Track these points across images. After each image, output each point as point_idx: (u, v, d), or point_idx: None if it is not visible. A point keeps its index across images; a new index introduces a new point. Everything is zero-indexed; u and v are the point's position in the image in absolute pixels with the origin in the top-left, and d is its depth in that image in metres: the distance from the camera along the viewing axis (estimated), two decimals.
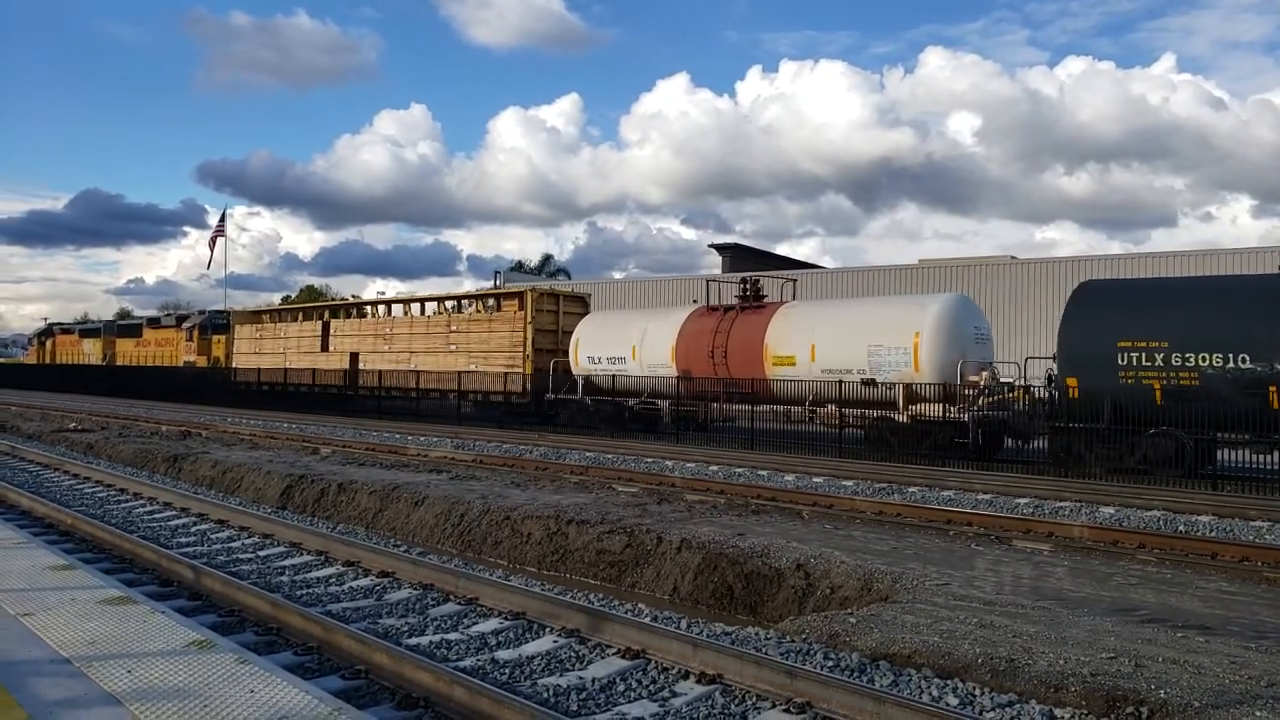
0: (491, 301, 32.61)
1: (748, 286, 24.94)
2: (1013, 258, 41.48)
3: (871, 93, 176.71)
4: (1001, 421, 19.00)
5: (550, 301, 30.19)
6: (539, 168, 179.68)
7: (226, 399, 38.81)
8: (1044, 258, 38.64)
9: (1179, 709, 5.26)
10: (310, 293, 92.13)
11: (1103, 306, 17.41)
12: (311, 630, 6.59)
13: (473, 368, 30.40)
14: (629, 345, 26.06)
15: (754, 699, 5.56)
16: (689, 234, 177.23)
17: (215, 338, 46.84)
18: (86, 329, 64.90)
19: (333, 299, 71.07)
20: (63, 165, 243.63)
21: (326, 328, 38.00)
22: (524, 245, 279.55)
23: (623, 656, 6.32)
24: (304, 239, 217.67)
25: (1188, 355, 15.95)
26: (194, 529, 11.48)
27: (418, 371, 31.88)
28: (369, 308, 38.51)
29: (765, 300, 24.71)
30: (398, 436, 23.65)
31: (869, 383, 20.49)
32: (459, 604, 7.81)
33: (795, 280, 28.76)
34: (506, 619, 7.30)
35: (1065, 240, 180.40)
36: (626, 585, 10.04)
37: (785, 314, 23.22)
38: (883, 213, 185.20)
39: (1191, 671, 5.81)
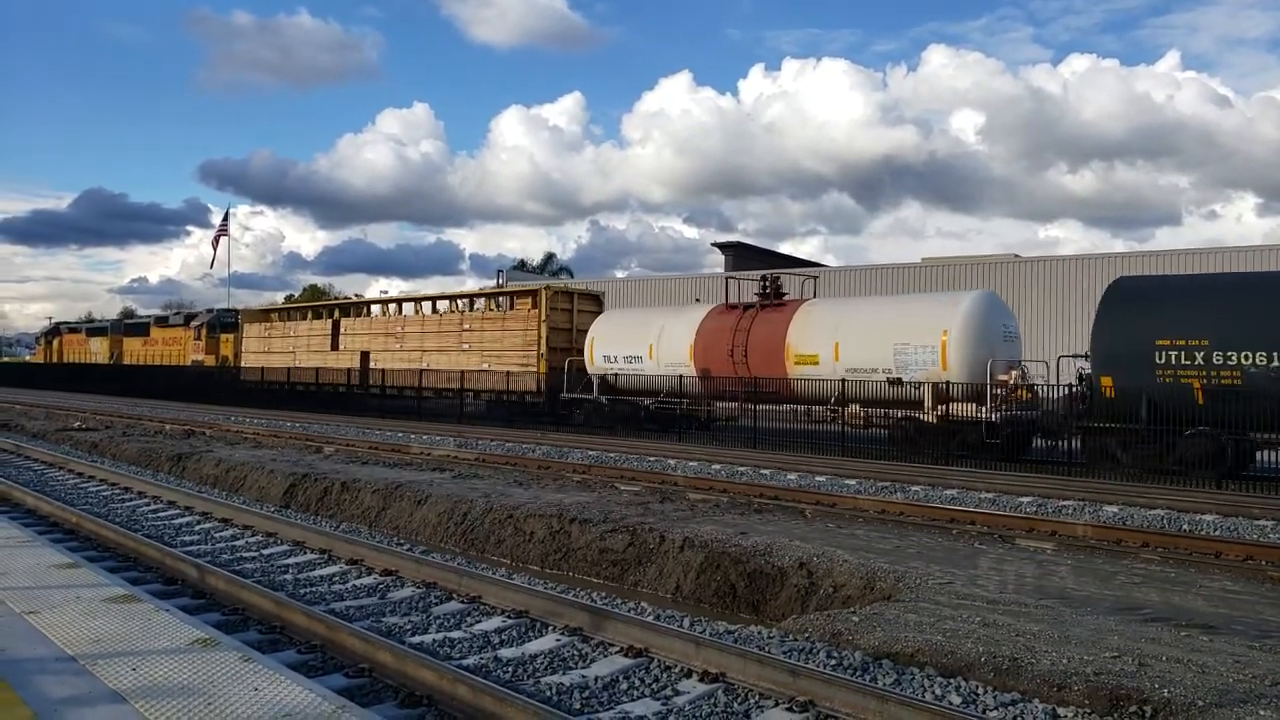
0: (504, 300, 32.25)
1: (768, 284, 24.50)
2: (1016, 255, 41.45)
3: (874, 91, 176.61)
4: (1031, 421, 18.66)
5: (564, 300, 29.86)
6: (541, 166, 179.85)
7: (235, 398, 38.62)
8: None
9: (1183, 708, 5.26)
10: (314, 292, 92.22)
11: (1139, 303, 16.99)
12: (315, 628, 6.60)
13: (486, 367, 30.13)
14: (646, 344, 25.69)
15: (757, 698, 5.56)
16: (691, 232, 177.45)
17: (223, 336, 46.66)
18: (93, 328, 64.76)
19: (338, 297, 71.07)
20: (66, 165, 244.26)
21: (337, 326, 37.74)
22: (526, 244, 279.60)
23: (625, 655, 6.32)
24: (307, 238, 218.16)
25: (1230, 354, 15.56)
26: (198, 527, 11.51)
27: (430, 371, 31.63)
28: (380, 306, 38.18)
29: (785, 298, 24.29)
30: (400, 435, 23.68)
31: (895, 382, 20.07)
32: (462, 602, 7.82)
33: (816, 277, 27.96)
34: (509, 617, 7.30)
35: (1069, 239, 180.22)
36: (629, 584, 10.04)
37: (807, 312, 22.81)
38: (886, 211, 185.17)
39: (1195, 670, 5.81)
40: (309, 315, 41.35)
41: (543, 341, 28.69)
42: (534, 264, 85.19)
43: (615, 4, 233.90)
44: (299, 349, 39.52)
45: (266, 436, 22.99)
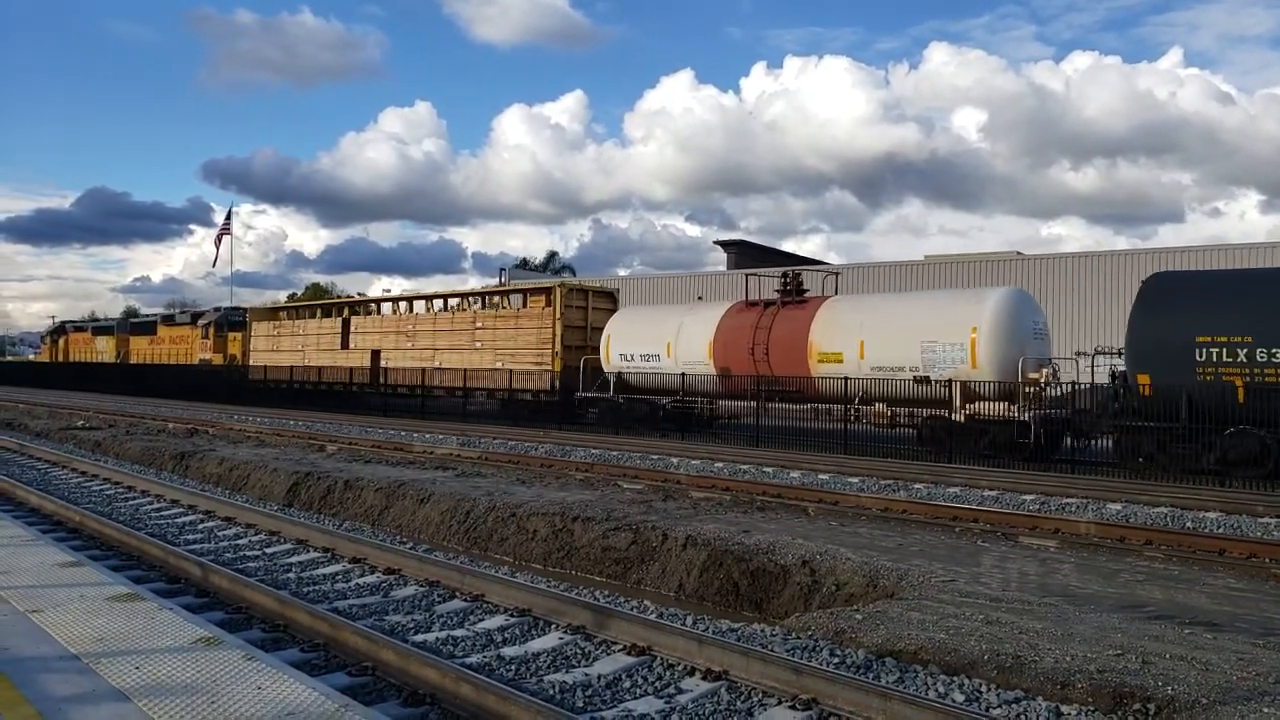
0: (518, 298, 31.87)
1: (789, 281, 24.14)
2: (1018, 253, 41.37)
3: (876, 89, 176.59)
4: (1063, 420, 18.28)
5: (579, 297, 29.48)
6: (543, 165, 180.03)
7: (243, 397, 38.34)
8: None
9: (1186, 706, 5.25)
10: (316, 291, 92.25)
11: (1178, 299, 16.57)
12: (318, 627, 6.61)
13: (499, 365, 29.76)
14: (664, 342, 25.33)
15: (759, 696, 5.56)
16: (693, 230, 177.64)
17: (231, 335, 46.34)
18: (99, 327, 64.48)
19: (344, 296, 71.01)
20: (69, 164, 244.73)
21: (347, 325, 37.35)
22: (529, 242, 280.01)
23: (628, 653, 6.32)
24: (309, 237, 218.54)
25: (1274, 350, 15.26)
26: (201, 526, 11.51)
27: (442, 369, 31.30)
28: (390, 304, 37.65)
29: (807, 295, 23.91)
30: (403, 434, 23.68)
31: (922, 381, 19.73)
32: (465, 601, 7.82)
33: (838, 274, 27.31)
34: (512, 616, 7.30)
35: (1071, 236, 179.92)
36: (632, 582, 10.04)
37: (830, 309, 22.40)
38: (888, 209, 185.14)
39: (1199, 668, 5.79)
40: (318, 314, 40.92)
41: (557, 340, 28.25)
42: (536, 262, 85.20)
43: (617, 2, 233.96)
44: (308, 347, 39.11)
45: (269, 435, 23.01)
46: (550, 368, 28.17)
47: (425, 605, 7.82)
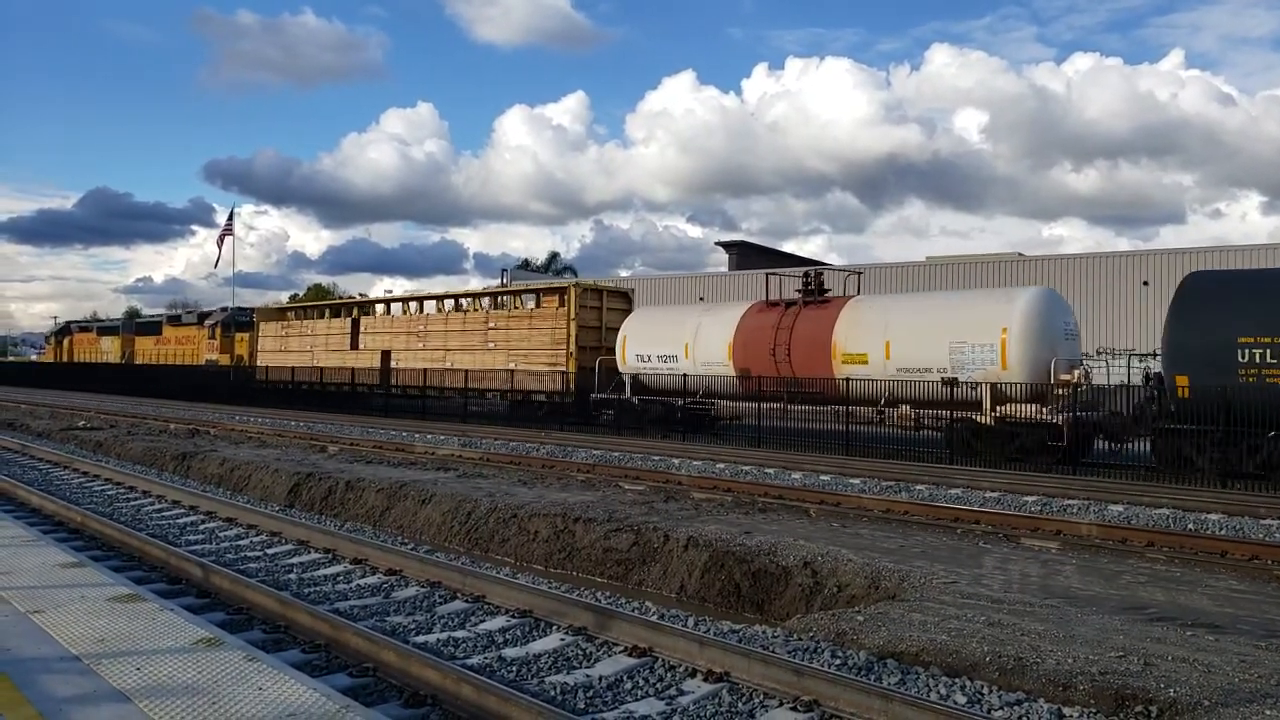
0: (530, 298, 31.49)
1: (811, 280, 23.72)
2: (1020, 254, 41.37)
3: (878, 90, 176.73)
4: (1095, 423, 17.88)
5: (593, 298, 29.14)
6: (545, 166, 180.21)
7: (252, 398, 38.05)
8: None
9: (1188, 707, 5.24)
10: (318, 291, 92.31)
11: (1219, 299, 16.14)
12: (319, 628, 6.60)
13: (512, 366, 29.43)
14: (681, 343, 24.90)
15: (761, 697, 5.55)
16: (695, 231, 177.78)
17: (239, 335, 46.00)
18: (104, 327, 64.09)
19: (345, 296, 71.04)
20: (71, 164, 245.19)
21: (356, 325, 36.99)
22: (530, 243, 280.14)
23: (630, 655, 6.32)
24: (311, 237, 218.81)
25: None
26: (202, 527, 11.52)
27: (454, 370, 30.97)
28: (400, 305, 37.12)
29: (829, 294, 23.51)
30: (404, 434, 23.68)
31: (950, 382, 19.28)
32: (466, 602, 7.81)
33: (861, 273, 26.86)
34: (514, 617, 7.30)
35: (1073, 237, 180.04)
36: (633, 583, 10.03)
37: (855, 309, 21.88)
38: (889, 210, 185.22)
39: (1201, 670, 5.78)
40: (327, 314, 40.46)
41: (572, 340, 27.87)
42: (538, 263, 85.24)
43: (618, 4, 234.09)
44: (317, 348, 38.73)
45: (271, 436, 23.01)
46: (565, 369, 27.83)
47: (426, 606, 7.82)
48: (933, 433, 19.44)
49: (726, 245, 60.59)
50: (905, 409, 19.72)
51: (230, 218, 64.38)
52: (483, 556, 11.27)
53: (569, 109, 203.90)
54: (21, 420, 28.90)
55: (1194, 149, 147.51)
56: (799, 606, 8.58)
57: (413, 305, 36.14)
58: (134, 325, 60.54)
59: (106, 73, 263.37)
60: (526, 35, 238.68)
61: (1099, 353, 20.98)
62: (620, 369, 26.46)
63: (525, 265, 79.63)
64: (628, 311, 28.62)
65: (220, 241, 63.11)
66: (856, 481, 15.07)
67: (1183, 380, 15.93)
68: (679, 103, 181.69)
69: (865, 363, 20.91)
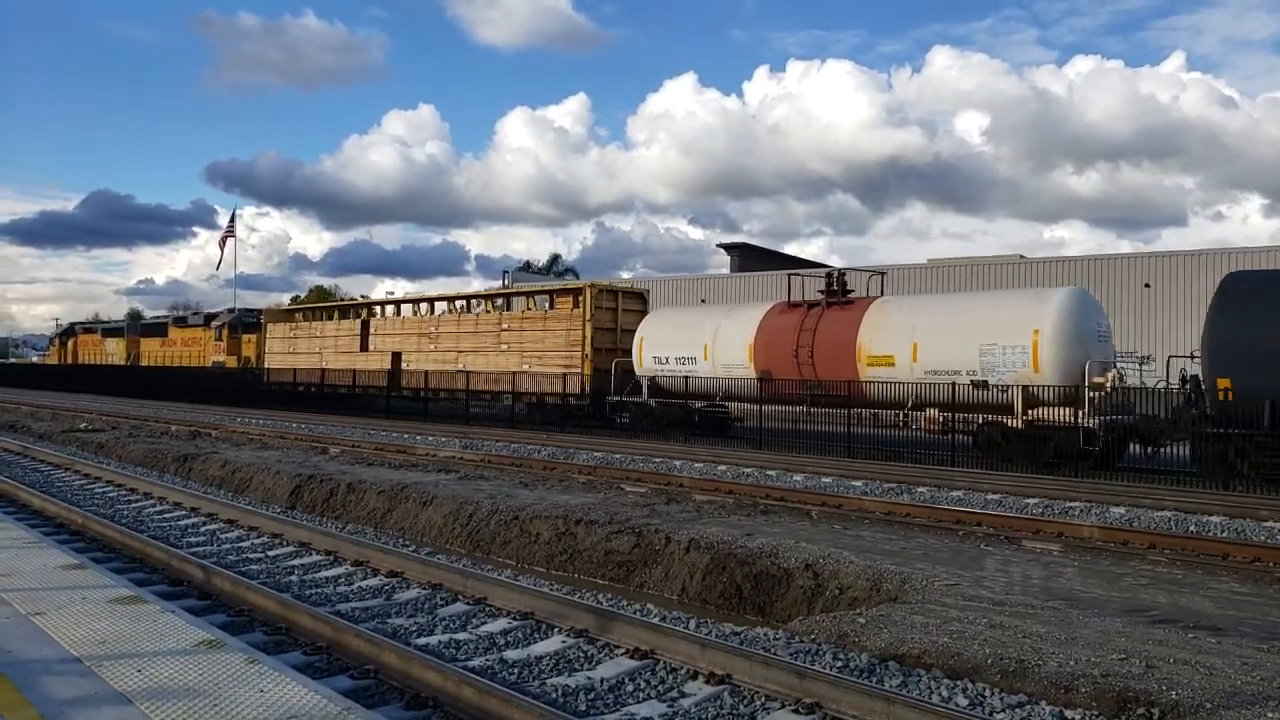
0: (544, 299, 31.12)
1: (834, 281, 23.40)
2: (1021, 256, 41.35)
3: (879, 92, 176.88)
4: (1129, 427, 17.46)
5: (609, 299, 28.72)
6: (547, 168, 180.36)
7: (260, 401, 37.71)
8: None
9: (1190, 710, 5.23)
10: (320, 293, 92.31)
11: (1265, 300, 15.72)
12: (321, 630, 6.60)
13: (526, 368, 29.06)
14: (700, 344, 24.50)
15: (763, 699, 5.55)
16: (696, 234, 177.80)
17: (246, 337, 45.64)
18: (109, 328, 63.74)
19: (346, 298, 71.03)
20: (73, 166, 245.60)
21: (366, 326, 36.66)
22: (532, 245, 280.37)
23: (631, 657, 6.31)
24: (313, 239, 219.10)
25: None
26: (203, 529, 11.52)
27: (467, 372, 30.63)
28: (411, 306, 36.66)
29: (852, 295, 23.19)
30: (405, 436, 23.68)
31: (980, 385, 18.86)
32: (467, 604, 7.81)
33: (884, 274, 26.30)
34: (515, 619, 7.29)
35: (1075, 239, 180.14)
36: (635, 585, 10.03)
37: (880, 310, 21.49)
38: (891, 212, 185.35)
39: (1203, 673, 5.78)
40: (336, 315, 40.08)
41: (587, 342, 27.46)
42: (539, 265, 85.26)
43: (620, 5, 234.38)
44: (326, 349, 38.31)
45: (272, 437, 23.01)
46: (580, 370, 27.45)
47: (428, 608, 7.82)
48: (962, 437, 19.01)
49: (728, 247, 60.57)
50: (933, 412, 19.25)
51: (232, 219, 64.56)
52: (484, 558, 11.26)
53: (570, 111, 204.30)
54: (23, 422, 28.92)
55: (1195, 151, 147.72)
56: (801, 609, 8.57)
57: (423, 306, 35.70)
58: (139, 327, 60.31)
59: (108, 74, 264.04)
60: (528, 37, 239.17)
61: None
62: (637, 371, 26.06)
63: (527, 267, 79.65)
64: (643, 313, 28.24)
65: (222, 243, 63.36)
66: (858, 484, 15.06)
67: (1225, 383, 15.43)
68: (680, 105, 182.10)
69: (892, 365, 20.48)
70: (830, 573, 8.81)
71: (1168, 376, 17.47)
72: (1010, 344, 18.76)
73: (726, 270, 56.02)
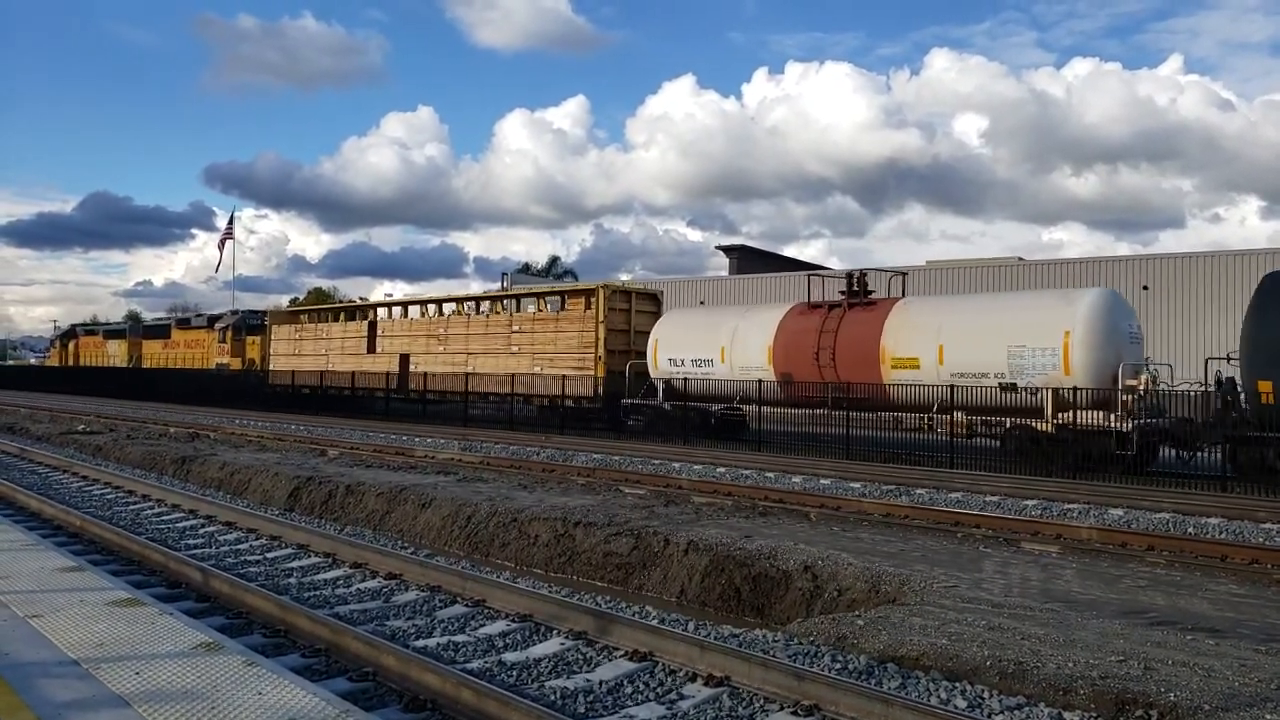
0: (556, 300, 30.67)
1: (855, 281, 22.99)
2: (1020, 259, 41.38)
3: (878, 94, 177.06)
4: (1163, 430, 17.07)
5: (622, 300, 28.21)
6: (545, 170, 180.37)
7: (265, 403, 37.42)
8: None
9: (1189, 712, 5.23)
10: (318, 295, 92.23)
11: None
12: (319, 632, 6.60)
13: (537, 370, 28.63)
14: (717, 346, 24.07)
15: (762, 701, 5.55)
16: (695, 235, 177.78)
17: (250, 339, 45.25)
18: (111, 330, 63.32)
19: (345, 300, 70.97)
20: (71, 168, 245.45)
21: (373, 328, 36.24)
22: (530, 247, 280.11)
23: (630, 659, 6.31)
24: (311, 241, 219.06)
25: None
26: (202, 531, 11.50)
27: (478, 374, 30.19)
28: (419, 307, 36.19)
29: (874, 296, 22.74)
30: (404, 438, 23.66)
31: (1009, 387, 18.45)
32: (466, 606, 7.81)
33: (905, 274, 25.55)
34: (514, 621, 7.29)
35: (1073, 241, 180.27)
36: (634, 587, 10.03)
37: (904, 311, 21.03)
38: (889, 214, 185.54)
39: (1201, 674, 5.78)
40: (342, 316, 39.66)
41: (600, 344, 27.02)
42: (539, 267, 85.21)
43: (619, 7, 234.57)
44: (332, 351, 37.85)
45: (271, 439, 23.00)
46: (593, 373, 27.05)
47: (426, 610, 7.81)
48: (990, 441, 18.69)
49: (727, 249, 60.53)
50: (959, 416, 18.83)
51: (230, 221, 64.50)
52: (483, 560, 11.26)
53: (569, 113, 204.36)
54: (21, 424, 28.89)
55: (1193, 154, 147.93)
56: (799, 611, 8.57)
57: (431, 308, 35.29)
58: (141, 329, 59.87)
59: (107, 76, 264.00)
60: (527, 39, 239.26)
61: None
62: (651, 373, 25.67)
63: (526, 269, 79.59)
64: (657, 314, 27.84)
65: (221, 245, 63.28)
66: (857, 485, 15.06)
67: (1266, 386, 15.05)
68: (679, 107, 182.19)
69: (917, 367, 20.06)
70: (829, 575, 8.81)
71: (1206, 379, 17.00)
72: (1040, 346, 18.35)
73: (725, 272, 56.02)
